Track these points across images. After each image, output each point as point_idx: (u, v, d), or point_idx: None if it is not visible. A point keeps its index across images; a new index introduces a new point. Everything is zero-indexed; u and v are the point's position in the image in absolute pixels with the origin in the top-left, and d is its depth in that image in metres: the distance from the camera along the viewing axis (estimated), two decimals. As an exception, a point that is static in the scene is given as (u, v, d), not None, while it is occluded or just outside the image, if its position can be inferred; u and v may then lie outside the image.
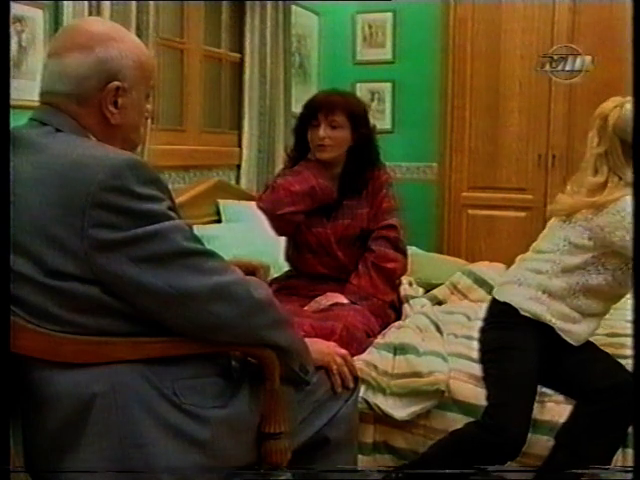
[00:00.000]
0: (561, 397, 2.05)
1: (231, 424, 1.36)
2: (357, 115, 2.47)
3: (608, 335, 2.39)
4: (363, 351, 2.24)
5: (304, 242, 2.49)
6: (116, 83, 1.34)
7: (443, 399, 2.14)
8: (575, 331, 2.03)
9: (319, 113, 2.41)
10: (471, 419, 2.02)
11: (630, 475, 1.26)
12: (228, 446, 1.36)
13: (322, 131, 2.40)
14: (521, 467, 1.95)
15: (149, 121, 2.85)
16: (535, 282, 2.05)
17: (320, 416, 1.59)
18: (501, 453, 1.88)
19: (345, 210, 2.49)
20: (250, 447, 1.41)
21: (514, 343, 2.02)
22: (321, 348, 1.67)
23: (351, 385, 1.68)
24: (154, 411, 1.27)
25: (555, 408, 2.04)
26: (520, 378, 1.97)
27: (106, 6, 2.74)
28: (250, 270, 1.62)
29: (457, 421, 2.08)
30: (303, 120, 2.47)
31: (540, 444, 1.99)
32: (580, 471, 1.85)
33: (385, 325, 2.44)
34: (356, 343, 2.17)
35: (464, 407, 2.11)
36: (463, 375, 2.18)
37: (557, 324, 2.01)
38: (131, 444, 1.25)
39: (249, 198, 3.52)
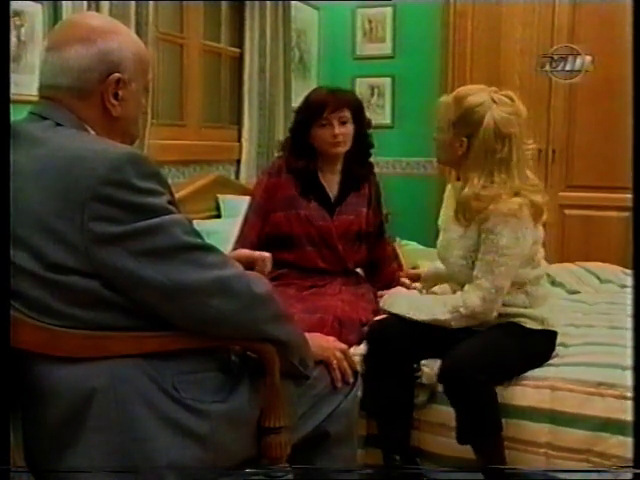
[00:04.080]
0: (560, 383, 2.03)
1: (231, 418, 1.36)
2: (359, 110, 2.55)
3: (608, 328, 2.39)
4: (358, 339, 2.24)
5: (304, 236, 2.49)
6: (117, 75, 1.34)
7: (437, 393, 2.11)
8: None
9: (328, 111, 2.44)
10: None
11: (630, 475, 1.26)
12: (228, 440, 1.36)
13: (337, 129, 2.45)
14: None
15: (148, 116, 2.89)
16: None
17: (320, 410, 1.59)
18: (381, 352, 2.11)
19: (349, 207, 2.53)
20: (250, 441, 1.41)
21: None
22: (321, 342, 1.68)
23: (351, 380, 1.68)
24: (154, 405, 1.27)
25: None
26: None
27: (105, 1, 2.73)
28: (250, 262, 1.62)
29: (450, 415, 2.06)
30: (309, 120, 2.47)
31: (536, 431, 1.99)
32: (577, 470, 1.85)
33: (374, 313, 2.44)
34: (346, 330, 2.18)
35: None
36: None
37: None
38: (131, 438, 1.25)
39: (249, 193, 3.49)
